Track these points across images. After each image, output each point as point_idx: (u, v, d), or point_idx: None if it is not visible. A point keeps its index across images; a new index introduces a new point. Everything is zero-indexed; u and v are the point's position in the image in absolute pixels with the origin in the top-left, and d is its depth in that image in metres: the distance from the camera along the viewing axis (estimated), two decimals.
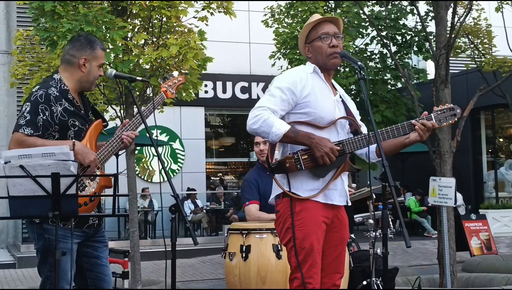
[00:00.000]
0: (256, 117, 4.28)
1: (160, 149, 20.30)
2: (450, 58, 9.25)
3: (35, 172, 3.82)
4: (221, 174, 24.75)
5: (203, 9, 10.48)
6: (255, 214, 6.43)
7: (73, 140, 4.43)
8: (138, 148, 16.84)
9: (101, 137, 4.68)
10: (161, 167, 4.36)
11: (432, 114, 4.46)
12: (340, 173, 4.43)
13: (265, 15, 18.99)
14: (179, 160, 21.91)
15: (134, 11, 9.74)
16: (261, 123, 4.25)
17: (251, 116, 4.31)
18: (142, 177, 20.65)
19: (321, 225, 4.35)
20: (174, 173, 21.65)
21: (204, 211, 20.31)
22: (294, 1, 17.79)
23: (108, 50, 9.31)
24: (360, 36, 18.22)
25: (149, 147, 19.62)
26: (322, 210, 4.37)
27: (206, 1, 10.41)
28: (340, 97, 4.59)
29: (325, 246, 4.41)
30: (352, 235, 7.73)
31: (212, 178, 24.07)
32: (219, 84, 22.51)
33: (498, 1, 14.68)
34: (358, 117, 4.64)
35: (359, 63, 4.31)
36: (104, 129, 4.75)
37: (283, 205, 4.43)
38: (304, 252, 4.27)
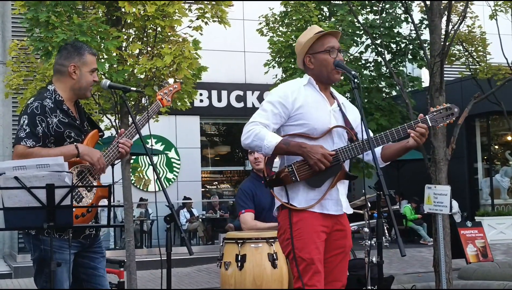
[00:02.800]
0: (249, 132, 4.38)
1: (155, 158, 20.31)
2: (444, 66, 9.26)
3: (29, 184, 3.82)
4: (216, 182, 24.73)
5: (197, 19, 10.47)
6: (251, 222, 6.43)
7: (75, 143, 4.44)
8: (133, 157, 16.83)
9: (97, 146, 4.68)
10: (156, 176, 4.36)
11: (427, 116, 4.41)
12: (336, 182, 4.44)
13: (260, 24, 19.00)
14: (174, 169, 21.89)
15: (129, 21, 9.74)
16: (253, 138, 4.35)
17: (244, 131, 4.41)
18: (138, 187, 20.64)
19: (319, 234, 4.37)
20: (170, 182, 21.64)
21: (200, 220, 20.29)
22: (289, 10, 17.82)
23: (102, 60, 9.31)
24: (355, 44, 18.27)
25: (144, 156, 19.60)
26: (320, 219, 4.39)
27: (200, 11, 10.41)
28: (339, 106, 4.60)
29: (326, 254, 4.43)
30: None
31: (207, 186, 24.06)
32: (214, 93, 22.53)
33: (493, 9, 14.75)
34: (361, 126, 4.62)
35: (353, 72, 4.33)
36: (100, 139, 4.76)
37: (282, 217, 4.48)
38: (304, 261, 4.30)
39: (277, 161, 4.61)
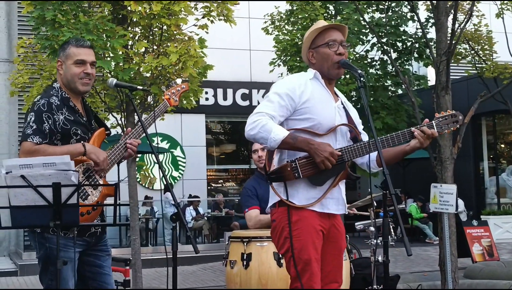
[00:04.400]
0: (254, 122, 4.23)
1: (161, 156, 20.32)
2: (450, 65, 9.25)
3: (36, 182, 3.83)
4: (222, 181, 24.73)
5: (203, 17, 10.48)
6: (256, 218, 6.40)
7: (82, 142, 4.45)
8: (139, 155, 16.84)
9: (103, 145, 4.68)
10: (162, 175, 4.35)
11: (433, 121, 4.39)
12: (338, 182, 4.37)
13: (265, 22, 18.98)
14: (180, 167, 21.90)
15: (135, 20, 9.75)
16: (259, 129, 4.19)
17: (249, 122, 4.27)
18: (143, 185, 20.65)
19: (318, 234, 4.29)
20: (175, 180, 21.65)
21: (205, 218, 20.29)
22: (294, 8, 17.80)
23: (108, 59, 9.33)
24: (361, 43, 18.22)
25: (150, 154, 19.61)
26: (318, 219, 4.30)
27: (206, 9, 10.42)
28: (342, 104, 4.52)
29: (323, 256, 4.35)
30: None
31: (213, 185, 24.06)
32: (219, 91, 22.53)
33: (499, 7, 14.71)
34: (360, 126, 4.58)
35: (359, 71, 4.25)
36: (106, 137, 4.77)
37: (279, 214, 4.37)
38: (302, 262, 4.20)
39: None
